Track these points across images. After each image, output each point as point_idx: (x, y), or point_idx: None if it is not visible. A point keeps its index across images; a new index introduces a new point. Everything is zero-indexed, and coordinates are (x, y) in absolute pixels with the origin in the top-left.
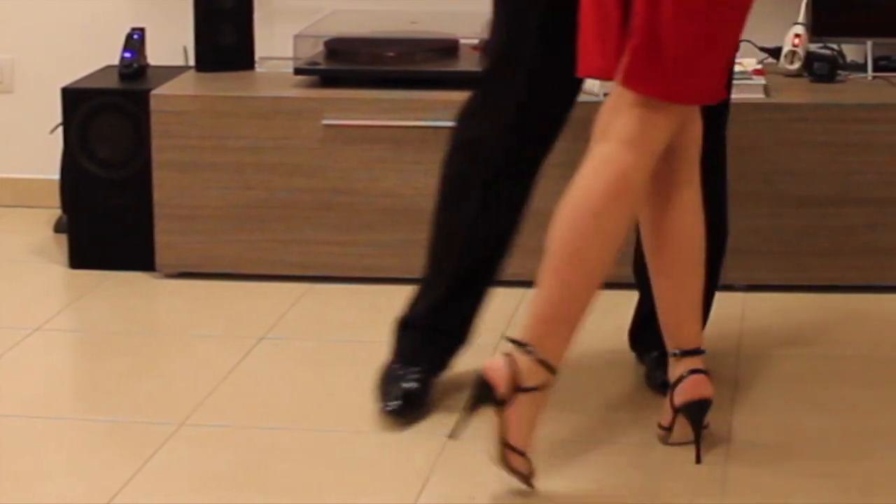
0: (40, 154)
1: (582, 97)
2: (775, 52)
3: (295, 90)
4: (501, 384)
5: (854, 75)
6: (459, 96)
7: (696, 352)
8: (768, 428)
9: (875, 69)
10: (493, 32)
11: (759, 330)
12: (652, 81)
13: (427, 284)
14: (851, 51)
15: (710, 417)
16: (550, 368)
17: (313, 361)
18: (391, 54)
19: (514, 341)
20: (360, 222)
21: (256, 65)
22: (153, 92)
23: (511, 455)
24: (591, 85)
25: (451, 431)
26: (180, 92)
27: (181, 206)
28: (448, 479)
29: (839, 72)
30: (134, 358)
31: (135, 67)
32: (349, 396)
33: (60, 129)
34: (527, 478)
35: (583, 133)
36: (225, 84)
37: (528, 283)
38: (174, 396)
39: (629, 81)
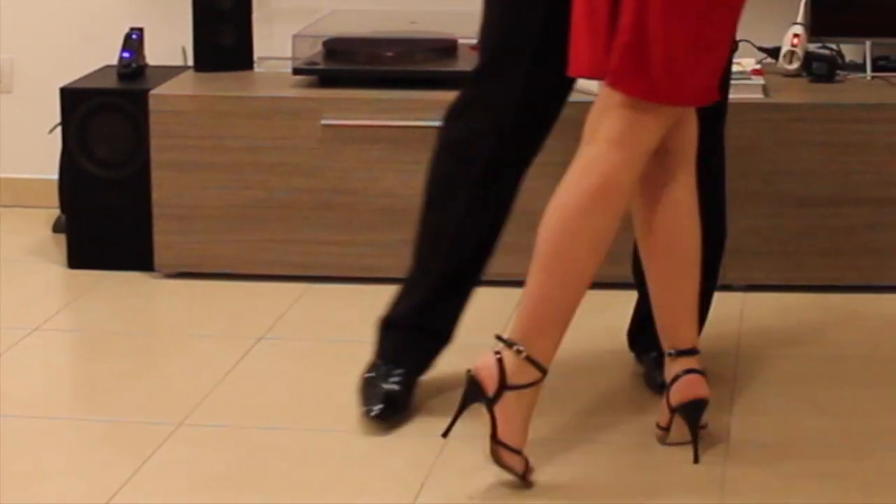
0: (39, 154)
1: (579, 97)
2: (774, 52)
3: (294, 90)
4: (489, 382)
5: (853, 75)
6: None
7: (692, 352)
8: (767, 428)
9: (874, 69)
10: (487, 32)
11: (758, 330)
12: (639, 82)
13: (412, 284)
14: (850, 51)
15: (709, 417)
16: (539, 367)
17: (312, 361)
18: (390, 54)
19: (502, 340)
20: (359, 222)
21: (255, 65)
22: (152, 92)
23: (503, 452)
24: (589, 84)
25: (444, 430)
26: (179, 92)
27: (180, 205)
28: (447, 479)
29: (838, 72)
30: (133, 358)
31: (133, 67)
32: (348, 396)
33: (59, 129)
34: (522, 475)
35: (577, 133)
36: (224, 84)
37: (520, 283)
38: (173, 396)
39: (616, 82)
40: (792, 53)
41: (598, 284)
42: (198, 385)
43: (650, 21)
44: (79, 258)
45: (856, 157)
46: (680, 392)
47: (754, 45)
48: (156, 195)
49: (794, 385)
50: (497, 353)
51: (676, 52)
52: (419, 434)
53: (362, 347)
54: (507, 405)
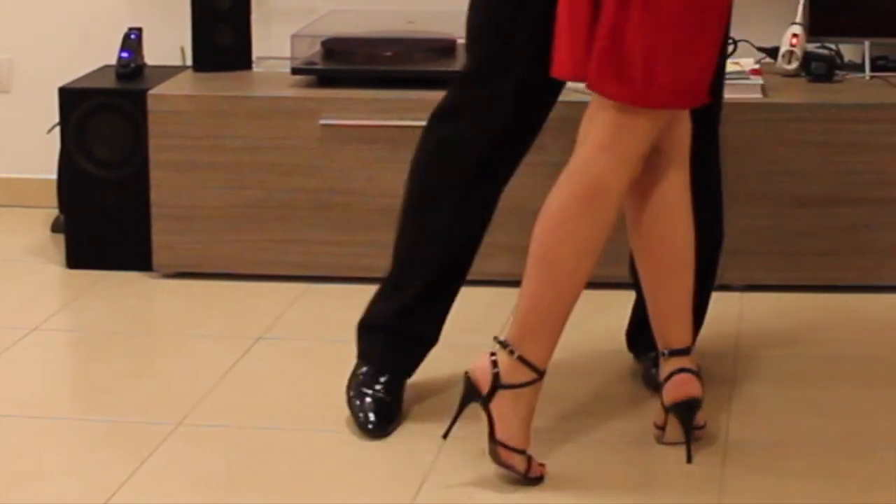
0: (37, 154)
1: (578, 97)
2: (773, 52)
3: (292, 90)
4: (483, 381)
5: (852, 75)
6: None
7: (685, 351)
8: (766, 427)
9: (873, 69)
10: (477, 35)
11: (756, 330)
12: (621, 86)
13: (394, 286)
14: (849, 50)
15: (708, 417)
16: (533, 367)
17: (311, 361)
18: (388, 54)
19: (498, 341)
20: (358, 222)
21: (254, 65)
22: (150, 92)
23: (502, 451)
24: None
25: (444, 431)
26: (177, 92)
27: (178, 205)
28: (446, 479)
29: (837, 72)
30: (131, 358)
31: (132, 67)
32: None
33: (57, 129)
34: (523, 474)
35: (575, 133)
36: (222, 84)
37: (519, 283)
38: (172, 396)
39: (596, 85)
40: (791, 53)
41: (598, 284)
42: (197, 385)
43: (629, 25)
44: (77, 258)
45: (855, 157)
46: (672, 391)
47: (753, 45)
48: (154, 195)
49: (793, 385)
50: (493, 353)
51: (657, 55)
52: (418, 434)
53: None
54: (503, 404)
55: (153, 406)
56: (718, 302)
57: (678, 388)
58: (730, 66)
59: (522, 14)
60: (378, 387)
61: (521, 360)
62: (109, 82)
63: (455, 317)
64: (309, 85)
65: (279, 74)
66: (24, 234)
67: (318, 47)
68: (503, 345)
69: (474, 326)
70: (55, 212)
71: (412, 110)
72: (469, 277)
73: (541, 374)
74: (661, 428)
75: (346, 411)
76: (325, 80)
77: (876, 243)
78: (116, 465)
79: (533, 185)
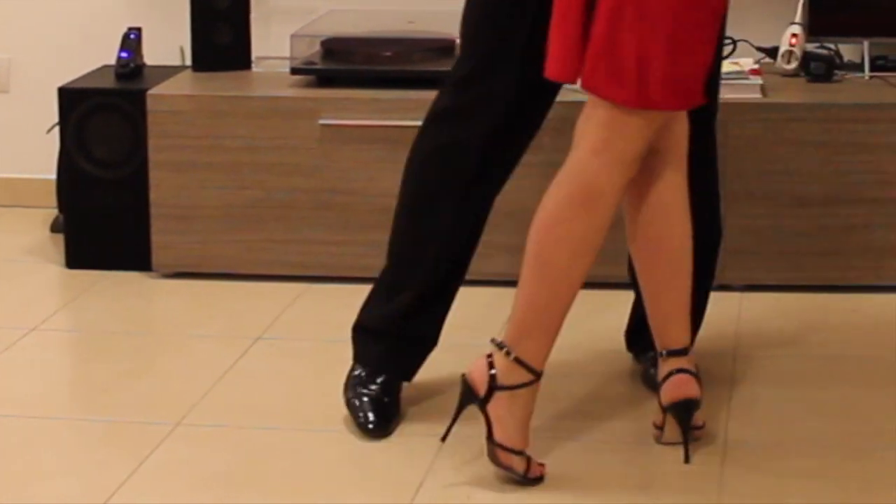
0: (37, 154)
1: (576, 97)
2: (772, 52)
3: (291, 90)
4: (480, 383)
5: (851, 75)
6: None
7: (683, 352)
8: (765, 428)
9: (872, 69)
10: (473, 37)
11: (755, 330)
12: (615, 86)
13: (391, 288)
14: (848, 50)
15: (707, 417)
16: (529, 369)
17: (310, 361)
18: (388, 54)
19: (495, 342)
20: (357, 222)
21: (253, 64)
22: (150, 92)
23: (500, 452)
24: None
25: (442, 434)
26: (177, 92)
27: (178, 205)
28: (445, 479)
29: (836, 71)
30: (131, 358)
31: (131, 67)
32: None
33: (57, 129)
34: (523, 475)
35: (570, 133)
36: (221, 84)
37: (514, 283)
38: (171, 396)
39: (590, 85)
40: (790, 53)
41: (597, 284)
42: (196, 385)
43: (622, 25)
44: (77, 258)
45: (854, 157)
46: (669, 392)
47: (752, 45)
48: (154, 195)
49: (793, 385)
50: (489, 355)
51: (650, 55)
52: (417, 434)
53: None
54: (500, 406)
55: (152, 406)
56: (718, 302)
57: (676, 388)
58: (729, 66)
59: (520, 11)
60: (374, 387)
61: (518, 361)
62: (109, 82)
63: (453, 317)
64: (308, 85)
65: (278, 74)
66: (24, 234)
67: (317, 47)
68: (499, 346)
69: (473, 326)
70: (54, 212)
71: (412, 110)
72: (467, 277)
73: (538, 375)
74: (660, 428)
75: (346, 411)
76: (324, 79)
77: (875, 243)
78: (115, 465)
79: (531, 185)
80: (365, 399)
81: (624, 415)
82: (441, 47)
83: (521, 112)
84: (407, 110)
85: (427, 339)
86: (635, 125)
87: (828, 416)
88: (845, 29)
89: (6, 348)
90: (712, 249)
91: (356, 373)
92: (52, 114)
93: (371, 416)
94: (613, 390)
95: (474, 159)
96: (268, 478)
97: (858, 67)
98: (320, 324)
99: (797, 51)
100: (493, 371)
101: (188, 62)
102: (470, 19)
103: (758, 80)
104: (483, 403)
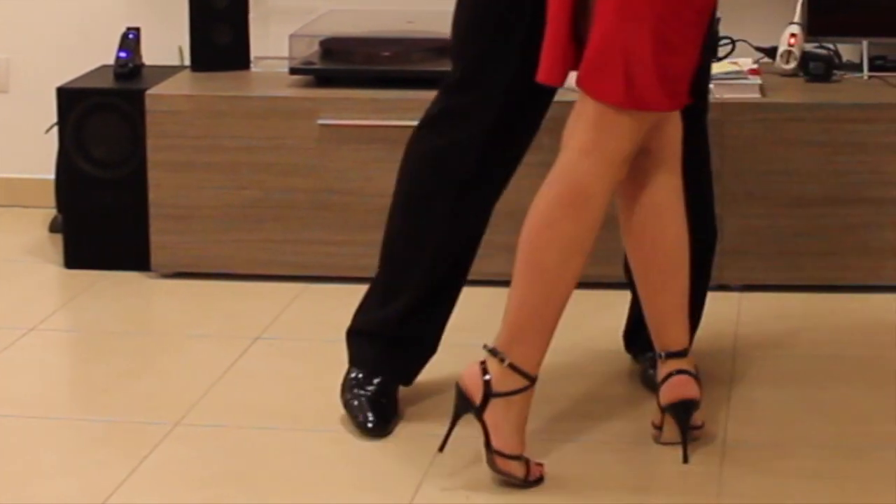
0: (35, 154)
1: (573, 96)
2: (771, 52)
3: (290, 90)
4: (475, 391)
5: (850, 75)
6: None
7: (681, 353)
8: (764, 428)
9: (871, 69)
10: (465, 40)
11: (754, 330)
12: (604, 87)
13: (387, 291)
14: (847, 50)
15: (706, 417)
16: (524, 374)
17: (309, 361)
18: (386, 54)
19: (487, 349)
20: (356, 222)
21: (252, 64)
22: (148, 92)
23: (499, 459)
24: None
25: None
26: (175, 92)
27: (176, 205)
28: (443, 478)
29: (835, 71)
30: (129, 358)
31: (130, 67)
32: None
33: (55, 129)
34: (523, 479)
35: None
36: (220, 84)
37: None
38: (169, 396)
39: (582, 86)
40: (789, 53)
41: (595, 284)
42: (194, 385)
43: (610, 27)
44: (75, 258)
45: (852, 157)
46: (668, 393)
47: (751, 45)
48: (152, 195)
49: (791, 385)
50: (482, 362)
51: (638, 56)
52: (416, 433)
53: None
54: (496, 413)
55: (151, 406)
56: (716, 302)
57: (675, 389)
58: (728, 66)
59: (517, 14)
60: (371, 388)
61: (512, 367)
62: (107, 82)
63: (452, 317)
64: (307, 85)
65: (277, 74)
66: (22, 234)
67: (316, 47)
68: (493, 353)
69: (471, 326)
70: (53, 212)
71: (410, 110)
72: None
73: (532, 380)
74: (659, 428)
75: (344, 411)
76: (323, 79)
77: (874, 243)
78: (114, 464)
79: (529, 185)
80: (363, 399)
81: (623, 415)
82: (440, 47)
83: (520, 112)
84: (406, 110)
85: (425, 342)
86: (625, 125)
87: (826, 416)
88: (844, 29)
89: (5, 348)
90: (708, 249)
91: (352, 375)
92: (51, 114)
93: (370, 416)
94: (612, 390)
95: (472, 160)
96: (266, 478)
97: (857, 67)
98: (319, 324)
99: (796, 51)
100: (486, 377)
101: (187, 62)
102: (461, 21)
103: (756, 80)
104: (479, 412)
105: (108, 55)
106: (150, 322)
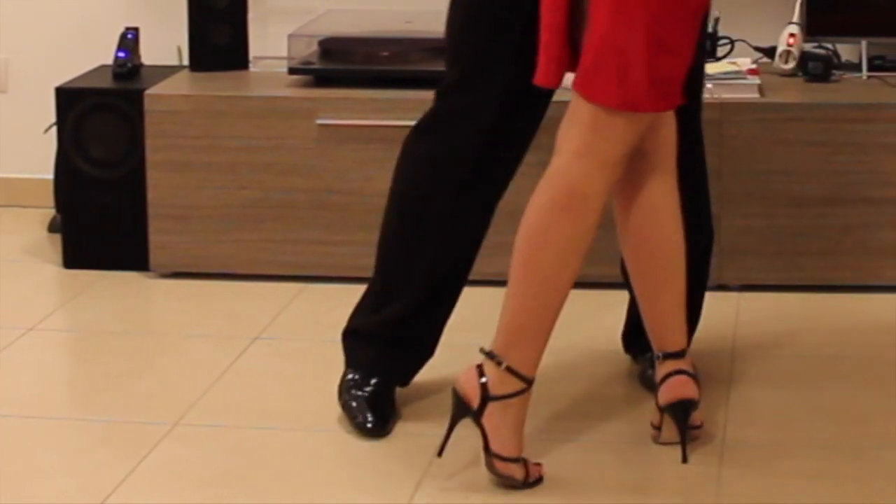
0: (34, 154)
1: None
2: (770, 52)
3: (289, 90)
4: (472, 395)
5: (848, 75)
6: None
7: (679, 354)
8: (763, 428)
9: (869, 69)
10: (460, 42)
11: (753, 330)
12: (601, 91)
13: (384, 293)
14: (846, 50)
15: (705, 417)
16: (521, 377)
17: (308, 361)
18: (385, 54)
19: (484, 352)
20: (355, 222)
21: (250, 64)
22: (147, 91)
23: (497, 462)
24: None
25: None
26: (174, 91)
27: (175, 205)
28: (443, 478)
29: (834, 71)
30: (128, 358)
31: (129, 67)
32: None
33: (54, 129)
34: (522, 481)
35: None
36: (219, 84)
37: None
38: (168, 396)
39: (580, 90)
40: (788, 53)
41: (594, 284)
42: (193, 385)
43: (604, 28)
44: (74, 258)
45: (851, 157)
46: (667, 393)
47: (750, 45)
48: (151, 195)
49: (790, 385)
50: (479, 365)
51: (631, 57)
52: (415, 434)
53: None
54: (494, 416)
55: (150, 406)
56: (715, 302)
57: (673, 389)
58: (727, 66)
59: (515, 15)
60: (368, 388)
61: (510, 370)
62: (106, 82)
63: (451, 317)
64: (306, 85)
65: (276, 74)
66: (21, 234)
67: (314, 47)
68: (490, 356)
69: (471, 326)
70: (52, 212)
71: (409, 110)
72: None
73: (529, 382)
74: (658, 428)
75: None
76: (321, 79)
77: (873, 243)
78: (113, 464)
79: (529, 185)
80: (361, 400)
81: (622, 415)
82: (439, 47)
83: (518, 112)
84: (405, 110)
85: (423, 344)
86: (619, 127)
87: (825, 416)
88: (843, 29)
89: (4, 348)
90: (705, 250)
91: (349, 377)
92: (50, 114)
93: (370, 417)
94: (611, 391)
95: (470, 161)
96: (265, 477)
97: (856, 67)
98: (318, 324)
99: (795, 51)
100: (483, 380)
101: (185, 62)
102: (454, 23)
103: (755, 80)
104: (477, 416)
105: (106, 55)
106: (150, 322)
